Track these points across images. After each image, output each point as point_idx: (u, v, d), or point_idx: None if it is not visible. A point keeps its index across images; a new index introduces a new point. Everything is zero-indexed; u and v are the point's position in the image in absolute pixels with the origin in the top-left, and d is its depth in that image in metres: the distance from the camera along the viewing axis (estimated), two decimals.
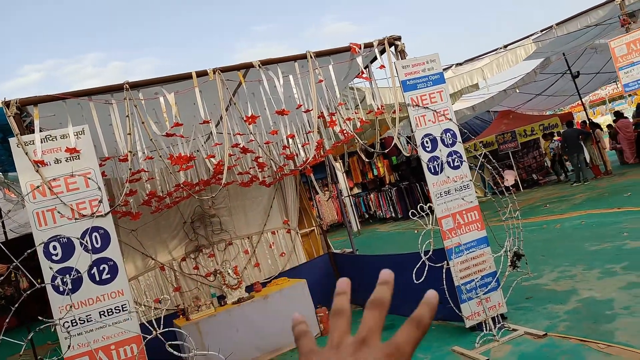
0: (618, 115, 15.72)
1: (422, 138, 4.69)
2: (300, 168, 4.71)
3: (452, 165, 4.75)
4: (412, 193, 16.77)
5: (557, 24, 9.63)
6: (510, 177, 14.11)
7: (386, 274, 0.50)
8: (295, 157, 5.55)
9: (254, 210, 7.20)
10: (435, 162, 4.69)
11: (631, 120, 15.32)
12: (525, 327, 4.43)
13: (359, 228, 16.65)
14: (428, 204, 4.47)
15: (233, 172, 5.72)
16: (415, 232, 12.24)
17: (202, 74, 3.95)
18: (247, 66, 4.14)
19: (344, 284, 0.53)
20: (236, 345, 5.31)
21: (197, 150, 4.92)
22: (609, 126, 16.10)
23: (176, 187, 5.28)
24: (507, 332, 4.43)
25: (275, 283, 6.39)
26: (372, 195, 18.51)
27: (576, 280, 5.36)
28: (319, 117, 4.35)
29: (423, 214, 4.35)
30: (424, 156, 4.67)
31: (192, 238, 6.74)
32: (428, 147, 4.70)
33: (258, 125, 4.33)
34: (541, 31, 9.91)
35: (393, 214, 17.41)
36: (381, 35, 4.87)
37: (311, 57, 4.27)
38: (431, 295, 0.48)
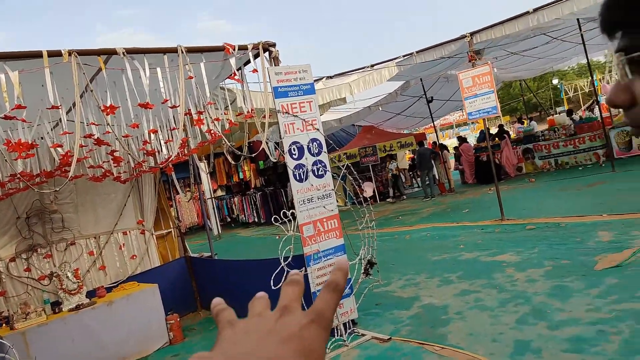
0: (462, 139, 17.62)
1: (290, 145, 4.74)
2: (161, 166, 4.44)
3: (316, 173, 4.87)
4: (277, 199, 16.92)
5: (417, 52, 10.51)
6: (368, 189, 14.99)
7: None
8: (157, 153, 5.24)
9: (105, 208, 6.60)
10: (300, 170, 4.77)
11: (473, 145, 17.32)
12: (373, 332, 4.69)
13: (220, 232, 16.32)
14: (291, 211, 4.52)
15: (83, 165, 5.19)
16: (277, 237, 12.37)
17: (55, 54, 3.53)
18: (110, 52, 3.80)
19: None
20: (71, 357, 4.81)
21: (42, 138, 4.38)
22: (455, 148, 17.95)
23: (11, 178, 4.63)
24: (357, 337, 4.65)
25: (123, 288, 5.93)
26: (236, 199, 18.28)
27: (419, 287, 5.83)
28: (185, 115, 4.16)
29: (285, 220, 4.39)
30: (290, 163, 4.72)
31: (25, 236, 5.93)
32: (295, 154, 4.76)
33: (117, 117, 3.99)
34: (403, 56, 10.73)
35: (256, 219, 17.39)
36: (256, 39, 4.84)
37: (182, 52, 4.06)
38: (342, 260, 0.50)
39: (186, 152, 5.28)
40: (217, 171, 18.38)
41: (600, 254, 5.54)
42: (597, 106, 14.12)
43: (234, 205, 18.46)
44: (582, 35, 11.47)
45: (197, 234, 17.08)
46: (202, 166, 6.33)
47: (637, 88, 0.56)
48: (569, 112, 17.84)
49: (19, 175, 3.75)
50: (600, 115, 13.07)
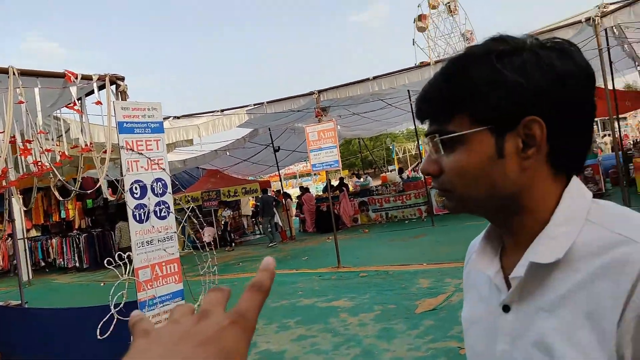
0: (304, 189, 18.43)
1: (132, 183, 4.50)
2: None
3: (158, 215, 4.68)
4: (105, 241, 15.48)
5: (268, 102, 10.93)
6: (209, 234, 14.69)
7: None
8: None
9: None
10: (142, 210, 4.54)
11: (314, 195, 18.20)
12: None
13: (30, 277, 14.19)
14: (127, 253, 4.24)
15: None
16: (102, 284, 11.32)
17: None
18: None
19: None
20: None
21: None
22: (298, 197, 18.65)
23: None
24: None
25: None
26: (54, 240, 16.07)
27: (258, 333, 5.82)
28: (10, 142, 3.72)
29: (120, 262, 4.10)
30: (131, 202, 4.46)
31: None
32: (137, 193, 4.52)
33: None
34: (254, 104, 11.05)
35: (77, 264, 15.51)
36: (98, 70, 4.61)
37: (14, 74, 3.68)
38: (268, 260, 0.48)
39: (4, 184, 4.66)
40: (34, 208, 16.14)
41: (421, 299, 6.19)
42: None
43: (51, 247, 16.11)
44: (411, 104, 13.08)
45: (1, 280, 14.76)
46: (20, 201, 5.63)
47: (444, 162, 0.76)
48: (400, 171, 19.90)
49: None
50: (424, 176, 14.86)
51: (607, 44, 9.59)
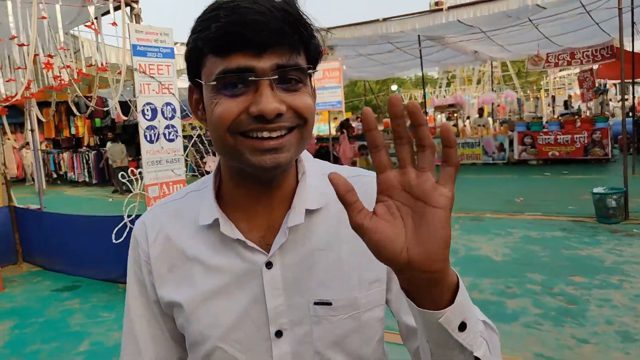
0: None
1: (144, 105, 4.77)
2: (6, 104, 4.14)
3: (167, 137, 4.98)
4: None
5: None
6: (211, 163, 15.04)
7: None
8: None
9: None
10: (152, 131, 4.83)
11: (315, 135, 18.37)
12: None
13: (44, 187, 14.86)
14: (139, 169, 4.58)
15: None
16: (111, 200, 11.78)
17: None
18: None
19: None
20: None
21: None
22: None
23: None
24: None
25: None
26: (65, 155, 16.74)
27: None
28: (35, 56, 3.95)
29: (133, 178, 4.45)
30: (143, 123, 4.75)
31: None
32: (148, 115, 4.80)
33: None
34: None
35: (87, 179, 16.19)
36: None
37: None
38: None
39: (27, 95, 4.92)
40: (46, 123, 16.61)
41: None
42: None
43: (62, 161, 16.88)
44: (420, 50, 13.03)
45: (15, 187, 15.35)
46: (39, 114, 5.91)
47: (290, 99, 0.70)
48: None
49: None
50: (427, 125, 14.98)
51: (632, 4, 9.12)
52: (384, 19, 10.23)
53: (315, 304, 0.77)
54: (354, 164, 16.59)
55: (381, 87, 40.39)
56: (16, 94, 4.50)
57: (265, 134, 0.68)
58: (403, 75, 20.99)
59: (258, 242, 0.77)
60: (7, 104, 4.14)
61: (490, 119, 17.39)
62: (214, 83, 0.69)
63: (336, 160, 15.04)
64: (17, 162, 16.73)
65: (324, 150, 15.68)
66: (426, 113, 17.20)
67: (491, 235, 6.39)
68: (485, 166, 13.96)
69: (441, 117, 19.82)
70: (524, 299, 4.21)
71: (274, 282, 0.76)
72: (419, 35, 12.30)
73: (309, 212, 0.78)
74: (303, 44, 0.70)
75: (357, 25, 10.39)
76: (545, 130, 12.84)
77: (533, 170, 12.04)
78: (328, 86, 9.47)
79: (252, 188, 0.78)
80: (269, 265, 0.76)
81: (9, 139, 5.74)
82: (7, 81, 4.69)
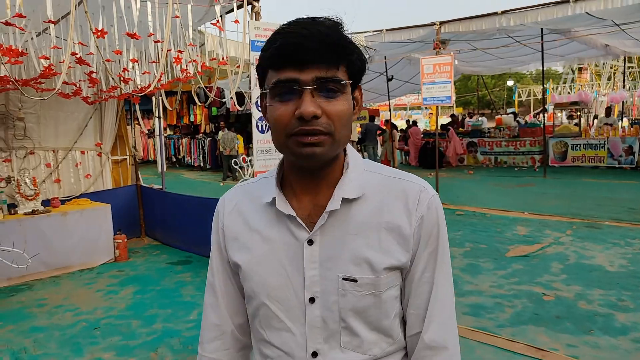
0: (413, 122, 18.27)
1: (258, 97, 5.05)
2: (140, 94, 4.66)
3: None
4: None
5: (387, 30, 10.87)
6: None
7: None
8: (130, 82, 5.41)
9: (67, 125, 6.68)
10: (263, 122, 5.12)
11: (422, 129, 18.02)
12: None
13: (164, 169, 16.38)
14: (249, 157, 4.89)
15: (56, 81, 5.28)
16: (222, 184, 12.55)
17: None
18: None
19: None
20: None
21: (26, 45, 4.45)
22: (402, 130, 18.58)
23: None
24: None
25: (76, 203, 6.16)
26: (184, 140, 18.21)
27: None
28: (168, 51, 4.37)
29: (244, 165, 4.76)
30: (255, 114, 5.05)
31: None
32: (260, 107, 5.09)
33: (101, 41, 4.16)
34: (373, 32, 11.05)
35: (202, 164, 17.45)
36: None
37: None
38: None
39: (158, 85, 5.46)
40: (169, 111, 18.23)
41: (514, 245, 6.24)
42: (544, 114, 15.03)
43: (181, 146, 18.41)
44: (542, 44, 12.22)
45: (141, 168, 17.07)
46: (167, 103, 6.52)
47: (327, 106, 0.85)
48: (514, 115, 18.83)
49: None
50: (544, 123, 14.05)
51: None
52: (503, 12, 9.72)
53: (344, 279, 0.91)
54: (461, 160, 16.06)
55: (497, 82, 38.39)
56: (149, 85, 5.02)
57: (306, 130, 0.84)
58: (522, 69, 19.71)
59: (305, 220, 0.93)
60: (141, 94, 4.63)
61: (620, 120, 15.81)
62: (270, 90, 0.87)
63: (441, 157, 14.64)
64: (143, 145, 18.53)
65: (430, 146, 15.36)
66: (545, 110, 16.06)
67: (608, 245, 5.91)
68: (609, 170, 12.84)
69: (562, 115, 18.42)
70: (637, 313, 3.90)
71: (312, 257, 0.91)
72: (541, 29, 11.52)
73: (347, 201, 0.92)
74: (343, 60, 0.86)
75: (473, 19, 9.98)
76: None
77: None
78: (438, 81, 9.20)
79: (302, 176, 0.94)
80: (310, 242, 0.92)
81: (138, 124, 6.39)
82: (143, 73, 5.25)
